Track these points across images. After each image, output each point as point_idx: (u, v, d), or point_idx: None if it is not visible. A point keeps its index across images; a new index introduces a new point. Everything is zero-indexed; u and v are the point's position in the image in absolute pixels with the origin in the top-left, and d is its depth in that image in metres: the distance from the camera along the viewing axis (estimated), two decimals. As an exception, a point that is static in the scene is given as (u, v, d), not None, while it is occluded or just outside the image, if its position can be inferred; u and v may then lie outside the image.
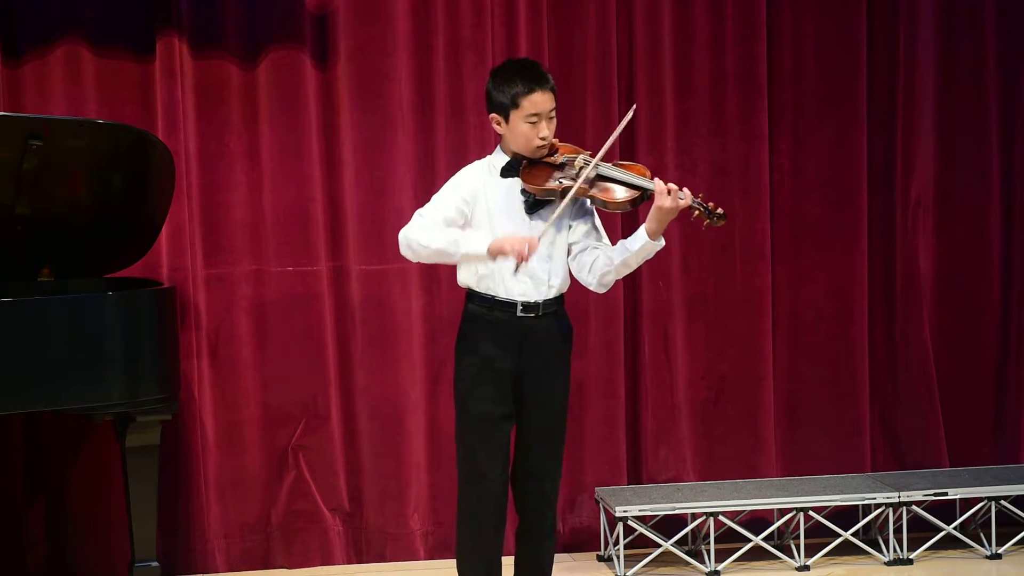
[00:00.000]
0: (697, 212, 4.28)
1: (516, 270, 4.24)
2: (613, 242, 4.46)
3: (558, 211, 4.28)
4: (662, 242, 4.30)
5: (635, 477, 5.86)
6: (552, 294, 4.40)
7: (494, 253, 4.23)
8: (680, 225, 5.74)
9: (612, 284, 4.43)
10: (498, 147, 4.45)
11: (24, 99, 5.41)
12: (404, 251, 4.36)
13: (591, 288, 4.44)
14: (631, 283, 5.81)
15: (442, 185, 4.48)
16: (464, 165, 4.58)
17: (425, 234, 4.30)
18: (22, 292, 4.92)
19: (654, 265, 5.78)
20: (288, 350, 5.63)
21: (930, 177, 5.97)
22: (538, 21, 5.69)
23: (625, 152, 5.74)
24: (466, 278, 4.43)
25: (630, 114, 4.35)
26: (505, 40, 5.67)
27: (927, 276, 5.97)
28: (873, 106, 5.92)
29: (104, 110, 5.44)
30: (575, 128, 5.61)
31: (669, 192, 4.23)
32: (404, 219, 4.45)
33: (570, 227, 4.42)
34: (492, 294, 4.38)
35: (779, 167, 5.90)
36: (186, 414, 5.50)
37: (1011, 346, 6.05)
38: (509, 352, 4.37)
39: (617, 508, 5.46)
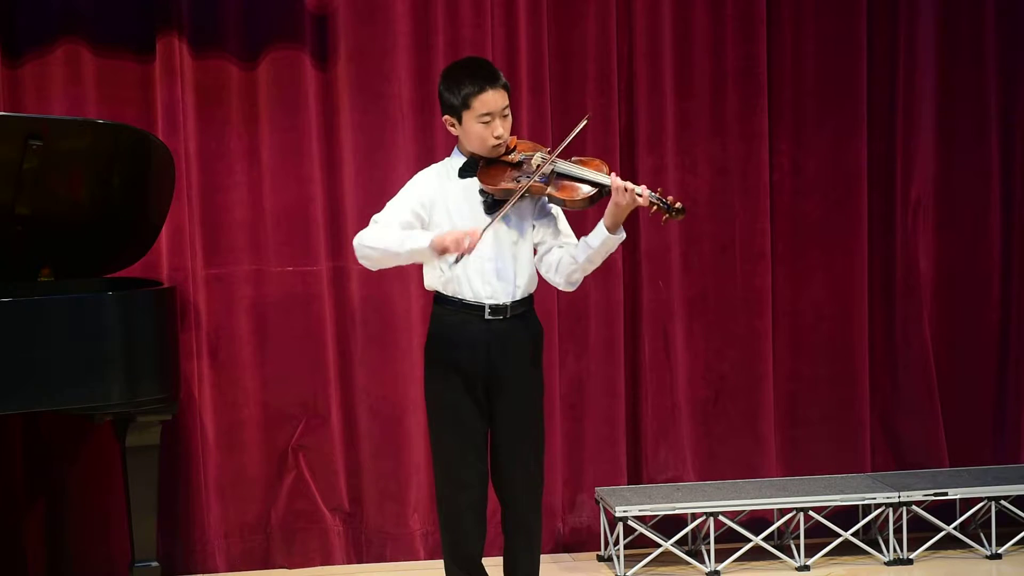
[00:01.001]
0: (655, 207, 4.25)
1: (456, 262, 4.20)
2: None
3: (507, 207, 4.23)
4: (623, 234, 4.28)
5: (635, 477, 5.86)
6: (519, 295, 4.37)
7: (436, 249, 4.18)
8: (681, 225, 5.75)
9: (580, 282, 4.40)
10: (455, 148, 4.42)
11: (24, 99, 5.41)
12: (359, 259, 4.34)
13: (560, 288, 4.42)
14: (631, 283, 5.82)
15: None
16: (463, 165, 4.59)
17: (375, 237, 4.27)
18: (22, 292, 4.92)
19: (654, 265, 5.80)
20: (288, 350, 5.63)
21: (930, 177, 5.97)
22: (538, 21, 5.69)
23: (625, 152, 5.75)
24: (432, 281, 4.41)
25: (583, 122, 4.34)
26: (505, 40, 5.67)
27: (927, 276, 5.97)
28: (873, 106, 5.92)
29: (104, 110, 5.44)
30: (574, 127, 5.61)
31: (625, 190, 4.19)
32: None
33: (534, 227, 4.39)
34: (459, 297, 4.35)
35: (779, 167, 5.90)
36: (186, 414, 5.50)
37: (1011, 346, 6.04)
38: (478, 355, 4.34)
39: (617, 508, 5.46)
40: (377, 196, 5.60)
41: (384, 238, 4.26)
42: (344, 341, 5.66)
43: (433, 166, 4.48)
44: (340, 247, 5.64)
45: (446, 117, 4.36)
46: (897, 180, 5.94)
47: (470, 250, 4.15)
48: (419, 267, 5.54)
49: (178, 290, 5.35)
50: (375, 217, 4.35)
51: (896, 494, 5.57)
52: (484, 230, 4.20)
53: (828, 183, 5.91)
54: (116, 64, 5.48)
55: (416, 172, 5.56)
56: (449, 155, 4.46)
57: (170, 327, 5.06)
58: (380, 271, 5.59)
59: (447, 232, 4.20)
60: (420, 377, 5.58)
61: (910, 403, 5.99)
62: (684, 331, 5.85)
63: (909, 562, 5.59)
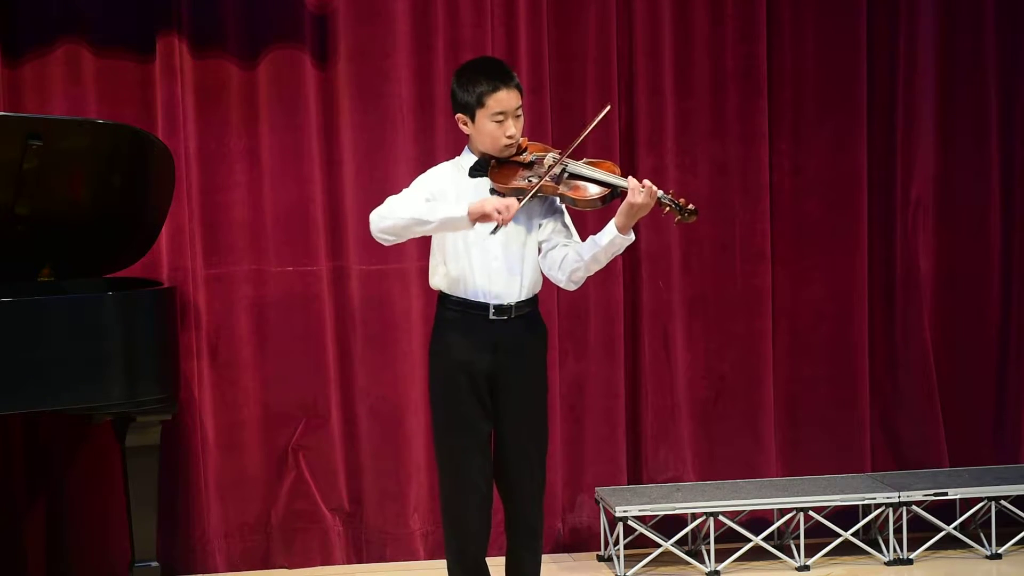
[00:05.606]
0: (668, 208, 4.25)
1: (494, 231, 4.14)
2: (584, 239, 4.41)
3: (520, 204, 4.20)
4: (632, 236, 4.26)
5: (635, 477, 5.86)
6: (524, 295, 4.37)
7: (474, 214, 4.14)
8: (680, 225, 5.74)
9: (582, 281, 4.37)
10: (466, 147, 4.42)
11: (24, 99, 5.41)
12: (375, 231, 4.28)
13: (561, 285, 4.39)
14: (631, 283, 5.82)
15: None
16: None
17: (400, 207, 4.25)
18: (22, 292, 4.92)
19: (654, 265, 5.80)
20: (288, 350, 5.63)
21: (930, 177, 5.97)
22: (538, 21, 5.69)
23: (625, 152, 5.75)
24: (438, 281, 4.41)
25: (603, 113, 4.33)
26: (505, 40, 5.67)
27: (927, 276, 5.97)
28: (873, 106, 5.92)
29: (104, 110, 5.44)
30: (575, 128, 5.61)
31: (644, 190, 4.18)
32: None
33: (540, 225, 4.38)
34: (464, 296, 4.35)
35: (779, 167, 5.90)
36: (186, 414, 5.50)
37: (1011, 346, 6.05)
38: (483, 354, 4.33)
39: (617, 508, 5.46)
40: (377, 196, 5.56)
41: (411, 208, 4.23)
42: (344, 341, 5.66)
43: (445, 163, 4.48)
44: (340, 247, 5.64)
45: (459, 115, 4.35)
46: (897, 180, 5.94)
47: (506, 221, 4.12)
48: (420, 267, 5.58)
49: (178, 290, 5.35)
50: (389, 198, 4.32)
51: (896, 494, 5.57)
52: (521, 205, 4.16)
53: (828, 183, 5.91)
54: (116, 64, 5.48)
55: (416, 172, 5.60)
56: (457, 154, 4.45)
57: (170, 327, 5.06)
58: (380, 271, 5.63)
59: (485, 199, 4.18)
60: (420, 377, 5.64)
61: (910, 403, 5.99)
62: (684, 331, 5.85)
63: (909, 562, 5.59)
